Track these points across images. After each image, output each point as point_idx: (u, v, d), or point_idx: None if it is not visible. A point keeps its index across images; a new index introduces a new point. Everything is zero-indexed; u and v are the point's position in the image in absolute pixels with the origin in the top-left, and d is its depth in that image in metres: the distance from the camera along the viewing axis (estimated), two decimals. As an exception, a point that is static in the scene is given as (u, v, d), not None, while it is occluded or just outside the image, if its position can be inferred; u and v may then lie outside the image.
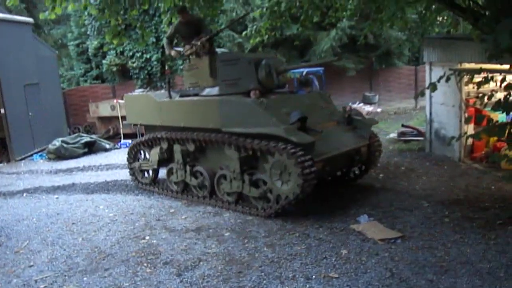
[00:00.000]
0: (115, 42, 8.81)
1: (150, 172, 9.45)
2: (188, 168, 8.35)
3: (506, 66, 6.29)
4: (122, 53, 20.77)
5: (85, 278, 5.44)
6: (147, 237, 6.62)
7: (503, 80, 5.93)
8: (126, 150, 10.05)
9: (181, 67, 11.02)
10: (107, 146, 15.32)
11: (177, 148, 8.39)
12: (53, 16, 7.54)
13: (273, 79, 7.95)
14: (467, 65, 9.21)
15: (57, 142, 14.29)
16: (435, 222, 6.48)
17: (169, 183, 8.90)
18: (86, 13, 18.98)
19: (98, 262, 5.87)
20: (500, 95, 5.83)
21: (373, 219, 6.67)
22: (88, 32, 21.96)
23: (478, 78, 6.79)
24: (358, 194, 8.00)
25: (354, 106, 18.52)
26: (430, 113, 10.94)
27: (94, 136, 16.08)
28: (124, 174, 10.50)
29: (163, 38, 9.08)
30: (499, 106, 5.43)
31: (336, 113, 8.17)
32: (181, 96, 8.65)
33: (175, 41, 9.21)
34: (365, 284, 4.84)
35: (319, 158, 6.79)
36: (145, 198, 8.82)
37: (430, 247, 5.65)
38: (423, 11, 9.70)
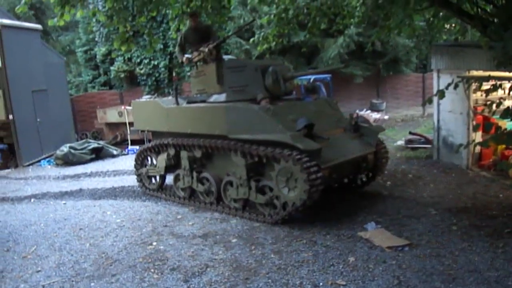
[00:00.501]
0: (123, 48, 8.85)
1: (157, 178, 9.45)
2: (195, 174, 8.35)
3: (515, 74, 6.29)
4: (130, 59, 20.88)
5: (92, 284, 5.45)
6: (154, 243, 6.62)
7: (512, 87, 5.92)
8: (134, 156, 10.06)
9: (189, 73, 11.04)
10: (115, 152, 15.36)
11: (184, 154, 8.39)
12: (61, 23, 7.59)
13: (280, 86, 7.97)
14: (475, 73, 9.18)
15: (65, 148, 14.35)
16: (443, 230, 6.45)
17: (176, 189, 8.89)
18: (94, 20, 19.15)
19: (105, 268, 5.88)
20: (509, 102, 5.82)
21: (381, 227, 6.65)
22: (96, 39, 22.10)
23: (486, 86, 6.77)
24: (366, 201, 7.97)
25: (361, 113, 18.51)
26: (438, 121, 10.90)
27: (101, 142, 16.14)
28: (131, 180, 10.53)
29: (176, 46, 9.09)
30: (508, 113, 5.40)
31: (343, 120, 8.15)
32: (188, 102, 8.66)
33: (187, 49, 9.24)
34: (372, 291, 4.83)
35: (325, 165, 6.77)
36: (152, 204, 8.84)
37: (437, 255, 5.62)
38: (431, 18, 9.70)
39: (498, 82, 6.14)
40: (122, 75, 21.11)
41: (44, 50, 17.13)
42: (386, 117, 19.31)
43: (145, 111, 9.43)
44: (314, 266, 5.49)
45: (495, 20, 6.08)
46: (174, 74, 20.18)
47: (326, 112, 8.09)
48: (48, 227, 7.79)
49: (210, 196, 8.22)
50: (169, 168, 8.98)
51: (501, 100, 5.93)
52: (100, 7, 15.32)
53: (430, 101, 6.33)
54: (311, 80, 14.93)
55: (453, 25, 11.23)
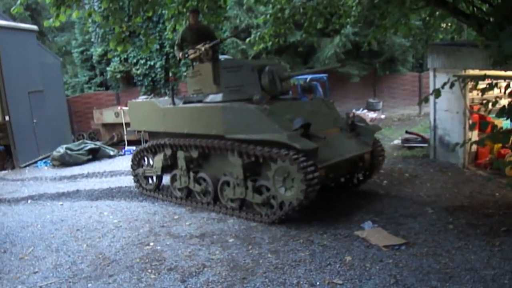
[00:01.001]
0: (119, 49, 8.84)
1: (154, 178, 9.46)
2: (191, 174, 8.36)
3: (511, 73, 6.29)
4: (126, 60, 20.87)
5: (89, 285, 5.44)
6: (152, 243, 6.62)
7: (508, 86, 5.92)
8: (130, 156, 10.06)
9: (185, 74, 11.05)
10: (111, 153, 15.33)
11: (180, 154, 8.40)
12: (57, 24, 7.59)
13: (276, 86, 7.98)
14: (471, 72, 9.20)
15: (61, 149, 14.31)
16: (439, 228, 6.46)
17: (173, 189, 8.90)
18: (90, 21, 19.07)
19: (102, 269, 5.87)
20: (505, 101, 5.83)
21: (377, 226, 6.66)
22: (92, 39, 22.09)
23: (482, 85, 6.77)
24: (362, 201, 7.99)
25: (358, 112, 18.51)
26: (434, 120, 10.92)
27: (98, 143, 16.10)
28: (128, 181, 10.52)
29: (175, 45, 9.08)
30: (504, 112, 5.41)
31: (339, 120, 8.18)
32: (185, 102, 8.68)
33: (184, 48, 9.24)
34: (369, 290, 4.84)
35: (322, 165, 6.79)
36: (149, 204, 8.83)
37: (434, 254, 5.63)
38: (427, 18, 9.71)
39: (494, 81, 6.14)
40: (119, 75, 21.11)
41: (40, 51, 17.09)
42: (382, 116, 19.31)
43: (141, 111, 9.42)
44: (311, 266, 5.50)
45: (491, 19, 6.08)
46: (170, 74, 20.17)
47: (323, 111, 8.10)
48: (45, 228, 7.78)
49: (207, 196, 8.22)
50: (165, 169, 8.97)
51: (497, 99, 5.93)
52: (96, 8, 15.33)
53: (427, 100, 6.35)
54: (308, 79, 14.93)
55: (449, 24, 11.26)
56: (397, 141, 13.51)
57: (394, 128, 17.32)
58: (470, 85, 9.06)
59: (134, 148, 13.39)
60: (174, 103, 8.63)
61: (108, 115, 17.91)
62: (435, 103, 10.72)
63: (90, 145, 15.11)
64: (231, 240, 6.53)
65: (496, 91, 6.44)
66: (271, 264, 5.62)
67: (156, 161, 9.06)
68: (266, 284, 5.11)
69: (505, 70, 6.51)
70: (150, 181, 9.61)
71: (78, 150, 14.58)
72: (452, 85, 6.09)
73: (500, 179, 8.71)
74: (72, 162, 14.14)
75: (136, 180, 9.81)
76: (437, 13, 8.53)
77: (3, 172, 14.12)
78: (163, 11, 10.25)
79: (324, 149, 6.95)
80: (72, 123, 20.17)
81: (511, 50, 4.49)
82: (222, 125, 7.51)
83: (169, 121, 8.60)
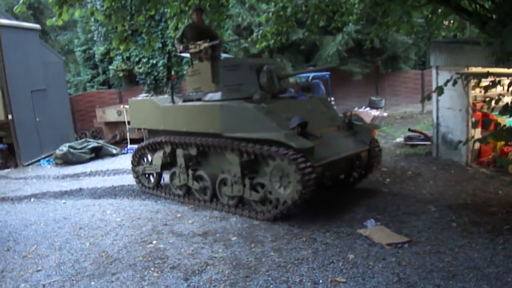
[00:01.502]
0: (121, 47, 8.85)
1: (154, 176, 9.54)
2: (190, 172, 8.43)
3: (513, 70, 6.28)
4: (128, 58, 20.85)
5: (92, 283, 5.45)
6: (154, 242, 6.63)
7: (511, 84, 5.92)
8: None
9: (185, 72, 11.10)
10: (114, 151, 15.35)
11: (179, 152, 8.49)
12: (60, 23, 7.58)
13: (275, 85, 8.05)
14: (474, 69, 9.19)
15: (64, 148, 14.34)
16: (442, 226, 6.46)
17: (172, 187, 8.97)
18: (92, 19, 19.02)
19: (105, 267, 5.89)
20: (508, 99, 5.84)
21: (380, 224, 6.66)
22: (94, 38, 22.06)
23: (485, 82, 6.77)
24: (365, 199, 7.98)
25: (361, 110, 18.47)
26: (437, 118, 10.91)
27: (101, 141, 16.13)
28: (131, 179, 10.53)
29: (175, 41, 9.11)
30: (507, 110, 5.40)
31: (337, 118, 8.25)
32: (184, 101, 8.75)
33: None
34: (372, 288, 4.84)
35: (318, 163, 6.86)
36: (152, 202, 8.84)
37: (437, 252, 5.63)
38: (429, 15, 9.68)
39: (497, 79, 6.14)
40: (121, 74, 21.08)
41: (42, 49, 17.09)
42: (385, 114, 19.25)
43: (141, 109, 9.53)
44: (314, 264, 5.50)
45: (494, 16, 6.06)
46: (173, 72, 20.17)
47: (320, 110, 8.17)
48: (48, 227, 7.80)
49: (205, 193, 8.28)
50: (165, 166, 9.06)
51: (500, 97, 5.93)
52: (98, 6, 15.29)
53: (429, 98, 6.33)
54: (310, 78, 14.90)
55: (452, 21, 11.21)
56: (399, 139, 13.50)
57: (396, 126, 17.30)
58: (473, 82, 9.05)
59: (136, 146, 13.41)
60: (173, 101, 8.71)
61: (110, 114, 17.91)
62: (437, 101, 10.71)
63: (93, 143, 15.13)
64: (234, 238, 6.53)
65: (499, 89, 6.46)
66: (274, 262, 5.62)
67: (156, 159, 9.14)
68: (269, 282, 5.11)
69: (508, 68, 6.49)
70: (151, 178, 9.66)
71: (81, 148, 14.61)
72: (454, 83, 6.08)
73: (503, 177, 8.71)
74: (75, 160, 14.16)
75: (137, 178, 9.87)
76: (440, 10, 8.49)
77: (6, 170, 14.15)
78: (166, 10, 10.25)
79: (321, 147, 7.02)
80: (74, 121, 20.19)
81: (514, 47, 4.48)
82: (220, 123, 7.58)
83: (168, 119, 8.69)
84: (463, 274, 5.02)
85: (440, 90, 5.98)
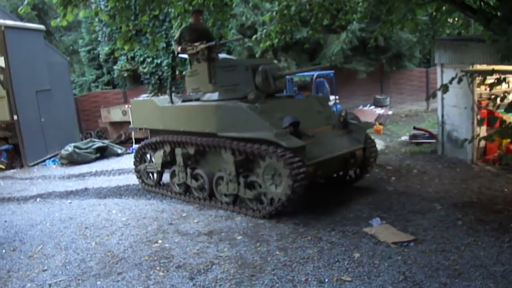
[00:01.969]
0: (126, 47, 8.90)
1: (155, 174, 9.69)
2: (189, 170, 8.59)
3: (519, 67, 6.26)
4: (133, 58, 20.87)
5: (98, 282, 5.47)
6: (160, 241, 6.64)
7: (516, 81, 5.90)
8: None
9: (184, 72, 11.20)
10: (119, 151, 15.38)
11: (178, 151, 8.66)
12: (64, 23, 7.62)
13: (270, 84, 8.25)
14: (479, 67, 9.16)
15: (69, 148, 14.37)
16: (448, 225, 6.44)
17: (172, 185, 9.14)
18: (97, 20, 19.09)
19: (111, 266, 5.90)
20: (513, 96, 5.79)
21: (386, 222, 6.65)
22: (99, 38, 22.09)
23: (490, 80, 6.74)
24: (370, 197, 7.97)
25: (365, 108, 18.46)
26: (442, 115, 10.87)
27: (106, 141, 16.16)
28: (136, 179, 10.54)
29: (173, 42, 9.22)
30: (512, 107, 5.39)
31: (333, 117, 8.37)
32: (184, 101, 8.92)
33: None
34: (378, 287, 4.82)
35: (310, 162, 6.98)
36: (157, 202, 8.86)
37: (443, 250, 5.61)
38: (434, 13, 9.67)
39: (502, 76, 6.12)
40: (125, 74, 21.11)
41: (47, 50, 17.13)
42: (390, 112, 19.24)
43: (142, 109, 9.76)
44: (320, 263, 5.50)
45: (499, 13, 6.05)
46: (177, 72, 20.19)
47: (316, 109, 8.28)
48: (54, 227, 7.82)
49: (203, 191, 8.41)
50: (165, 165, 9.22)
51: (506, 94, 5.92)
52: (103, 7, 15.36)
53: (434, 95, 6.33)
54: (314, 76, 14.88)
55: (456, 19, 11.20)
56: (404, 137, 13.48)
57: (401, 124, 17.27)
58: (478, 80, 9.01)
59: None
60: (172, 102, 8.90)
61: (115, 114, 17.96)
62: (442, 99, 10.67)
63: (98, 143, 15.17)
64: (239, 238, 6.54)
65: (504, 86, 6.42)
66: (279, 261, 5.62)
67: (156, 157, 9.33)
68: (275, 281, 5.11)
69: (513, 65, 6.47)
70: (154, 176, 9.79)
71: (86, 148, 14.64)
72: (459, 80, 6.06)
73: (509, 174, 8.69)
74: (80, 160, 14.19)
75: (139, 176, 10.06)
76: (444, 8, 8.48)
77: (12, 171, 14.20)
78: (170, 10, 10.26)
79: (313, 146, 7.19)
80: (79, 121, 20.21)
81: (519, 44, 4.46)
82: (215, 123, 7.76)
83: (167, 119, 8.89)
84: (469, 272, 5.01)
85: (445, 88, 5.97)
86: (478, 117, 9.40)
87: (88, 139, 15.99)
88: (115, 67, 21.42)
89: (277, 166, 6.78)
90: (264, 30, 10.84)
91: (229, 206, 7.83)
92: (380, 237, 6.10)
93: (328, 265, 5.41)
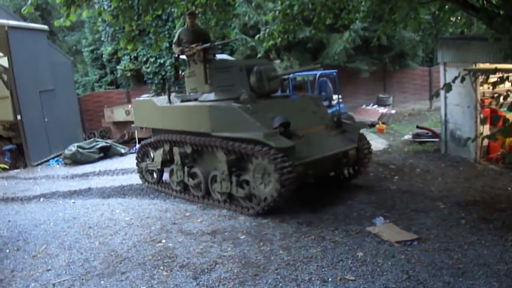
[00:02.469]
0: (129, 47, 8.94)
1: (156, 172, 9.83)
2: (186, 169, 8.73)
3: (522, 66, 6.25)
4: (136, 58, 20.89)
5: (102, 282, 5.48)
6: (163, 241, 6.65)
7: (519, 80, 5.89)
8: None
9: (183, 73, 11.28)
10: (123, 151, 15.40)
11: (176, 150, 8.81)
12: (68, 23, 7.64)
13: (264, 85, 8.41)
14: (481, 65, 9.14)
15: (73, 147, 14.39)
16: (451, 223, 6.44)
17: (171, 183, 9.30)
18: (100, 20, 19.17)
19: (115, 266, 5.91)
20: (516, 95, 5.77)
21: (389, 221, 6.65)
22: (102, 38, 22.13)
23: (493, 78, 6.72)
24: (374, 196, 7.97)
25: (368, 108, 18.46)
26: (445, 114, 10.87)
27: (109, 141, 16.20)
28: (139, 179, 10.57)
29: (173, 44, 9.32)
30: (515, 106, 5.38)
31: (327, 117, 8.45)
32: (182, 101, 8.99)
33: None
34: (381, 286, 4.83)
35: (299, 162, 7.09)
36: (161, 201, 8.87)
37: (446, 249, 5.61)
38: (437, 12, 9.65)
39: (505, 75, 6.11)
40: (129, 74, 21.14)
41: (51, 50, 17.18)
42: (393, 111, 19.23)
43: (143, 109, 9.96)
44: (323, 262, 5.50)
45: (501, 12, 6.04)
46: (180, 72, 20.19)
47: (310, 109, 8.36)
48: (57, 226, 7.84)
49: (200, 190, 8.54)
50: (165, 163, 9.39)
51: (509, 93, 5.89)
52: (106, 7, 15.33)
53: (437, 94, 6.32)
54: (317, 76, 14.88)
55: (459, 18, 11.17)
56: (408, 136, 13.47)
57: (404, 123, 17.26)
58: (481, 79, 9.00)
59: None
60: (170, 102, 9.04)
61: (118, 113, 18.00)
62: (445, 98, 10.66)
63: (101, 143, 15.19)
64: (242, 237, 6.54)
65: (507, 85, 6.40)
66: (283, 260, 5.63)
67: (156, 156, 9.53)
68: (278, 280, 5.12)
69: (516, 64, 6.46)
70: (155, 174, 9.93)
71: (90, 148, 14.67)
72: (462, 79, 6.06)
73: (512, 173, 8.67)
74: (84, 160, 14.22)
75: (141, 174, 10.22)
76: (447, 6, 8.47)
77: (16, 170, 14.25)
78: (172, 9, 10.30)
79: (303, 146, 7.31)
80: (83, 121, 20.27)
81: (522, 43, 4.46)
82: (209, 123, 7.90)
83: (165, 118, 9.05)
84: (472, 271, 5.01)
85: (448, 87, 5.96)
86: (481, 115, 9.39)
87: (92, 139, 16.03)
88: (118, 67, 21.44)
89: (266, 165, 6.92)
90: (267, 30, 10.84)
91: (225, 204, 7.95)
92: (384, 236, 6.10)
93: (331, 264, 5.42)
